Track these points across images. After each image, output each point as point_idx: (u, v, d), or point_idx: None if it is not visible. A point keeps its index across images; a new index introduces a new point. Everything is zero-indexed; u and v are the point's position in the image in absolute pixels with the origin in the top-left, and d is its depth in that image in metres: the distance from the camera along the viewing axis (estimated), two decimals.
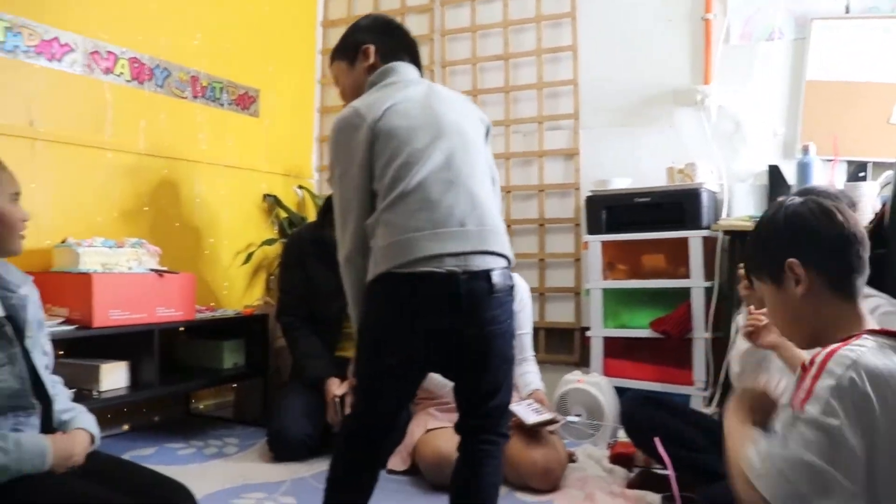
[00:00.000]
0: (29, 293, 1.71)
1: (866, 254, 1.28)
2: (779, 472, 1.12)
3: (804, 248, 1.27)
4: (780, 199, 1.37)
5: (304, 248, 2.96)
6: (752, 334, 1.99)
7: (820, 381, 1.11)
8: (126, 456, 2.50)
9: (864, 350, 1.13)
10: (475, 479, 1.64)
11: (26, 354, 1.61)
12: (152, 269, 2.75)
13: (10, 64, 2.66)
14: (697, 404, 2.98)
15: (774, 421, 1.21)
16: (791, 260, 1.27)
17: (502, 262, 1.62)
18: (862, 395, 1.09)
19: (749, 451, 1.19)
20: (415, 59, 1.83)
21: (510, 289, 1.63)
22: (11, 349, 1.56)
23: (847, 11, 3.22)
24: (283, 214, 3.88)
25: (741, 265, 2.05)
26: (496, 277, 1.58)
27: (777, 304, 1.34)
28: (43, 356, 1.70)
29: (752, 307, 2.03)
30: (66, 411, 1.75)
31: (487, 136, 1.79)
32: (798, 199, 1.33)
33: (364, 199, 1.61)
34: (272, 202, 3.85)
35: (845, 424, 1.08)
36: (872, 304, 1.94)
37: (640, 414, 2.30)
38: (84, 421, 1.74)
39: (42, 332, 1.73)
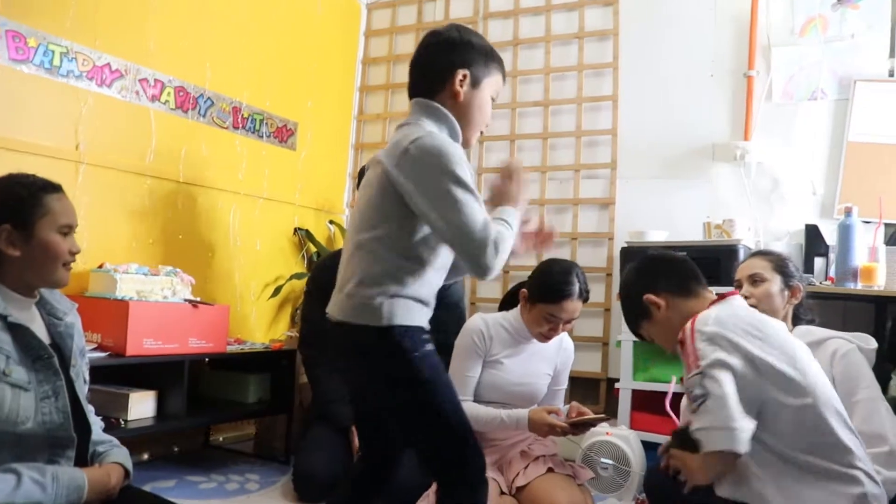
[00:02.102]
0: (75, 321, 1.70)
1: (686, 264, 1.75)
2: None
3: (649, 283, 1.72)
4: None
5: (330, 278, 2.92)
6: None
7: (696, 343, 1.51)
8: (147, 488, 2.46)
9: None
10: None
11: (70, 385, 1.59)
12: (187, 300, 2.74)
13: (62, 88, 2.69)
14: None
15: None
16: (646, 295, 1.70)
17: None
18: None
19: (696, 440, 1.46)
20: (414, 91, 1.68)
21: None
22: (57, 381, 1.55)
23: (891, 75, 3.22)
24: (313, 249, 3.87)
25: None
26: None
27: (657, 331, 1.73)
28: (84, 385, 1.69)
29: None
30: (101, 443, 1.74)
31: (392, 170, 1.55)
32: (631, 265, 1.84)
33: None
34: (303, 236, 3.85)
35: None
36: (832, 348, 2.01)
37: (665, 487, 2.24)
38: (119, 455, 1.73)
39: (84, 361, 1.72)
